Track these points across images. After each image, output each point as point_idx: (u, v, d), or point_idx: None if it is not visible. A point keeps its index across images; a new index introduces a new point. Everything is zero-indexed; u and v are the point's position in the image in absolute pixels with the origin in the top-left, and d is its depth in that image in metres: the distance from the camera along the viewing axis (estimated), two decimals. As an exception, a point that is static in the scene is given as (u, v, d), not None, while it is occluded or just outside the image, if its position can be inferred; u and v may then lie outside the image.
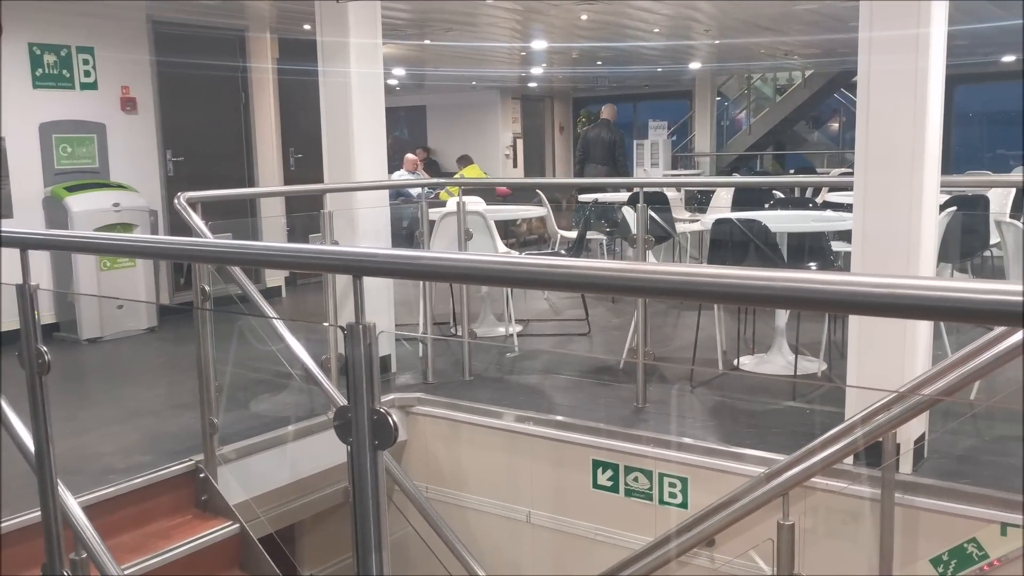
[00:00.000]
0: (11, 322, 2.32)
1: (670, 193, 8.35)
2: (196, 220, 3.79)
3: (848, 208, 4.70)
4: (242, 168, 8.16)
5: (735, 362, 5.28)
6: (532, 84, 16.61)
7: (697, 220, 7.95)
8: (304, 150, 8.57)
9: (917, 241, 3.37)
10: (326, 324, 5.27)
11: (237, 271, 3.82)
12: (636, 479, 4.05)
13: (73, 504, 2.60)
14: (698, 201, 9.61)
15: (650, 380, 4.83)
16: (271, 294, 7.87)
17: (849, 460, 3.30)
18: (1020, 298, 0.94)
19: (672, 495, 3.95)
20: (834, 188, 7.55)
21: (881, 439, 3.17)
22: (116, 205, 6.57)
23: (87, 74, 6.88)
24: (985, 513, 3.22)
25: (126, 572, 3.13)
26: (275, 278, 8.05)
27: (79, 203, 6.41)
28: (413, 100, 16.84)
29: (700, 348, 5.25)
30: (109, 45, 7.00)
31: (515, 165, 16.51)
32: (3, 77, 6.30)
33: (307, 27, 7.68)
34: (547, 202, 8.58)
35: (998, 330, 2.53)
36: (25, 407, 2.32)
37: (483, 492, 4.60)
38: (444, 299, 6.27)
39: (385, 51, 8.76)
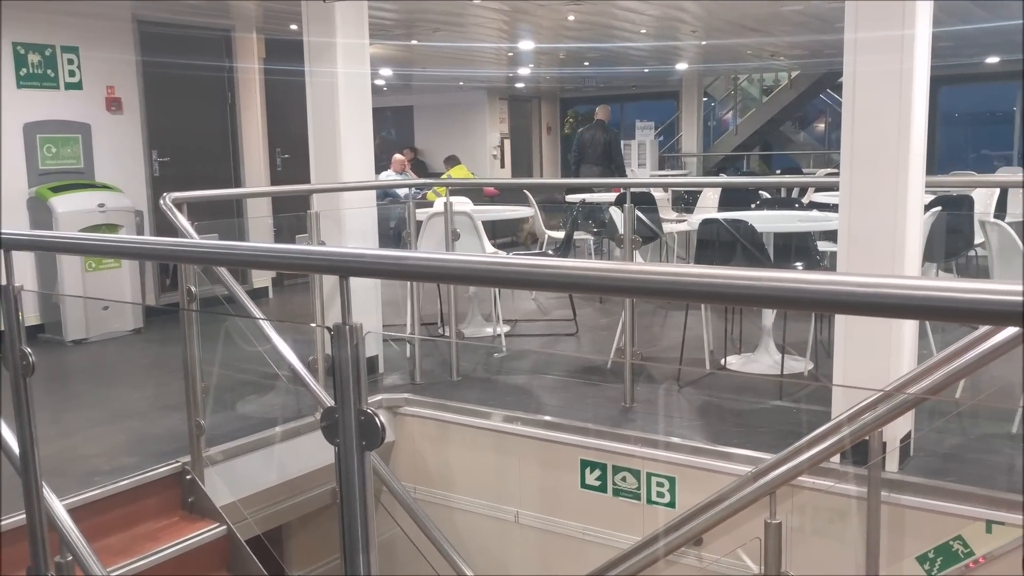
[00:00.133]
0: (-5, 323, 2.31)
1: (657, 193, 8.36)
2: (182, 221, 3.78)
3: (834, 208, 4.72)
4: (228, 168, 8.13)
5: (722, 361, 5.29)
6: (519, 85, 16.62)
7: (684, 220, 7.97)
8: (291, 150, 8.55)
9: (902, 241, 3.39)
10: (313, 325, 5.26)
11: (223, 272, 3.81)
12: (624, 479, 4.06)
13: (58, 506, 2.59)
14: (685, 201, 9.63)
15: (638, 380, 4.84)
16: (258, 295, 7.84)
17: (836, 459, 3.31)
18: (1020, 298, 0.95)
19: (660, 494, 3.96)
20: (820, 188, 7.58)
21: (867, 438, 3.18)
22: (101, 206, 6.53)
23: (72, 74, 6.84)
24: (971, 511, 3.24)
25: (112, 575, 3.11)
26: (262, 279, 8.02)
27: (64, 204, 6.37)
28: (400, 100, 16.82)
29: (687, 348, 5.26)
30: (94, 45, 6.96)
31: (502, 166, 16.51)
32: (-13, 77, 6.26)
33: (294, 27, 7.66)
34: (535, 203, 8.58)
35: (982, 329, 2.55)
36: (9, 409, 2.30)
37: (471, 492, 4.60)
38: (432, 299, 6.26)
39: (372, 51, 8.75)
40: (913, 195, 3.41)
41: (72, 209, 6.36)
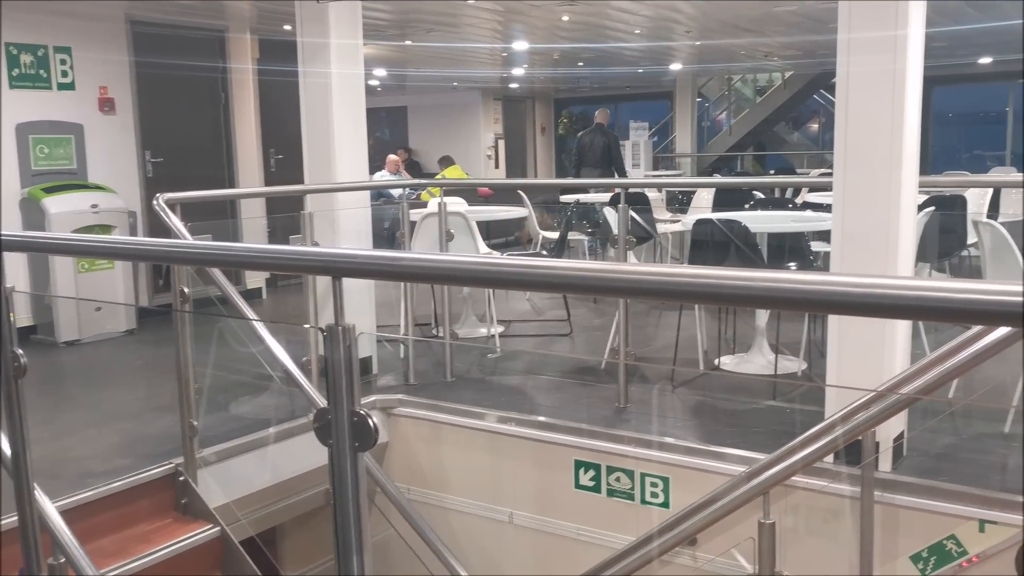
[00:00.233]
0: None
1: (651, 194, 8.37)
2: (175, 221, 3.77)
3: (828, 208, 4.73)
4: (222, 169, 8.12)
5: (716, 362, 5.30)
6: (514, 85, 16.61)
7: (678, 221, 7.98)
8: (284, 151, 8.54)
9: (895, 241, 3.39)
10: (307, 326, 5.25)
11: (217, 273, 3.80)
12: (618, 479, 4.06)
13: (51, 508, 2.58)
14: (679, 202, 9.64)
15: (632, 380, 4.84)
16: (252, 295, 7.83)
17: (829, 459, 3.32)
18: (1019, 298, 0.95)
19: (654, 495, 3.96)
20: (814, 188, 7.60)
21: (860, 437, 3.18)
22: (94, 206, 6.52)
23: (64, 74, 6.82)
24: (964, 510, 3.25)
25: (105, 576, 3.10)
26: (255, 279, 8.01)
27: (57, 204, 6.35)
28: (394, 101, 16.80)
29: (681, 348, 5.26)
30: (87, 45, 6.94)
31: (497, 166, 16.51)
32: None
33: (287, 27, 7.64)
34: (529, 203, 8.58)
35: (975, 329, 2.55)
36: (1, 411, 2.29)
37: (465, 493, 4.59)
38: (426, 300, 6.26)
39: (366, 52, 8.73)
40: (906, 195, 3.42)
41: (65, 210, 6.34)
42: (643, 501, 3.98)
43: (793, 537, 3.51)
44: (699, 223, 5.16)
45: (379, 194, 10.07)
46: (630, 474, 4.02)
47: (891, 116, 3.35)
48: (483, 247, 6.36)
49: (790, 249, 5.26)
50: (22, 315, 6.38)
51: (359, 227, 5.30)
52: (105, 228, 6.54)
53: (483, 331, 6.32)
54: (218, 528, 3.65)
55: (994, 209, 7.22)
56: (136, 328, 6.80)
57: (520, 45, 10.94)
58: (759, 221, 5.44)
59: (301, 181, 5.34)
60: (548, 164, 18.46)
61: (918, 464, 3.57)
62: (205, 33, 7.94)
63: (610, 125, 11.44)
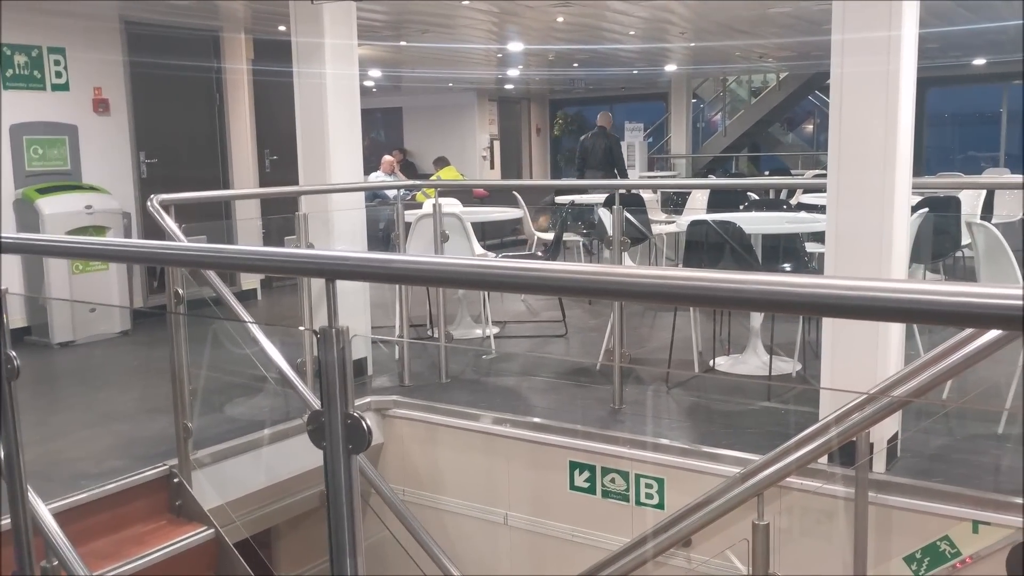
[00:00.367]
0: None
1: (646, 195, 8.38)
2: (169, 223, 3.76)
3: (822, 209, 4.74)
4: (217, 170, 8.11)
5: (711, 363, 5.30)
6: (509, 86, 16.61)
7: (673, 222, 7.99)
8: (279, 152, 8.52)
9: (889, 242, 3.40)
10: (301, 328, 5.24)
11: (211, 274, 3.79)
12: (613, 480, 4.06)
13: (44, 511, 2.57)
14: (674, 203, 9.66)
15: (626, 381, 4.84)
16: (246, 296, 7.82)
17: (823, 460, 3.32)
18: (1020, 302, 0.95)
19: (649, 496, 3.96)
20: (808, 190, 7.61)
21: (855, 439, 3.19)
22: (88, 207, 6.50)
23: (58, 75, 6.80)
24: (957, 511, 3.26)
25: (98, 579, 3.10)
26: (250, 281, 8.00)
27: (51, 205, 6.33)
28: (390, 102, 16.79)
29: (676, 349, 5.27)
30: (81, 45, 6.93)
31: (492, 167, 16.51)
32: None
33: (282, 28, 7.64)
34: (524, 204, 8.58)
35: (968, 330, 2.55)
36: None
37: (460, 495, 4.59)
38: (421, 301, 6.25)
39: (361, 52, 8.72)
40: (900, 196, 3.43)
41: (59, 211, 6.33)
42: (638, 502, 3.98)
43: (787, 538, 3.51)
44: (694, 224, 5.16)
45: (374, 195, 10.08)
46: (625, 475, 4.02)
47: (885, 117, 3.36)
48: (478, 248, 6.36)
49: (785, 250, 5.27)
50: (16, 316, 6.37)
51: (354, 228, 5.30)
52: (99, 229, 6.53)
53: (478, 332, 6.32)
54: (212, 530, 3.65)
55: (988, 210, 7.24)
56: (130, 329, 6.78)
57: (515, 46, 10.95)
58: (754, 222, 5.45)
59: (296, 182, 5.34)
60: (543, 165, 18.47)
61: (912, 465, 3.57)
62: (200, 33, 7.93)
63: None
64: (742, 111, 17.67)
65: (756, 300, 1.19)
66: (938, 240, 5.61)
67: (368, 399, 4.81)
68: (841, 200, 3.51)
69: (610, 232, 4.79)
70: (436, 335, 5.60)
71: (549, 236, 8.10)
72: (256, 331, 3.78)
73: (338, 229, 5.15)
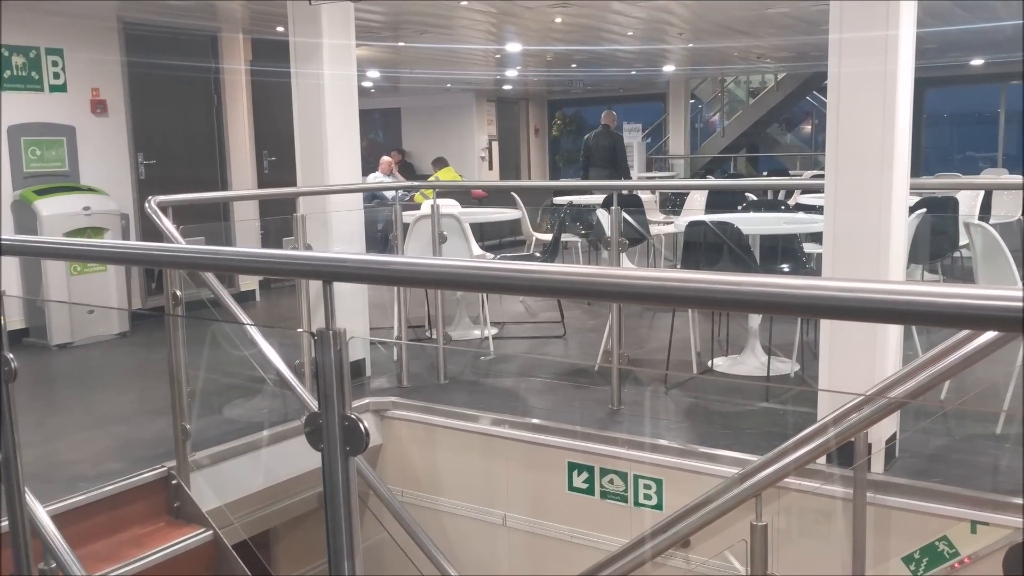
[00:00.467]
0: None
1: (644, 195, 8.39)
2: (167, 224, 3.76)
3: (820, 210, 4.74)
4: (215, 171, 8.10)
5: (709, 363, 5.30)
6: (507, 87, 16.62)
7: (671, 222, 7.99)
8: (278, 153, 8.52)
9: (887, 243, 3.40)
10: (300, 330, 5.24)
11: (209, 275, 3.79)
12: (611, 481, 4.06)
13: (42, 513, 2.57)
14: (672, 203, 9.67)
15: (625, 382, 4.84)
16: (245, 298, 7.81)
17: (822, 460, 3.33)
18: (1019, 303, 0.95)
19: (647, 497, 3.96)
20: (806, 190, 7.61)
21: (853, 439, 3.19)
22: (86, 209, 6.50)
23: (56, 76, 6.80)
24: (956, 511, 3.26)
25: (96, 581, 3.09)
26: (249, 282, 8.00)
27: (48, 207, 6.33)
28: (388, 102, 16.79)
29: (675, 350, 5.27)
30: (79, 46, 6.93)
31: (490, 167, 16.51)
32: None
33: (280, 29, 7.64)
34: (522, 205, 8.58)
35: (966, 331, 2.55)
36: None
37: (459, 496, 4.59)
38: (419, 302, 6.25)
39: (359, 53, 8.72)
40: (898, 197, 3.43)
41: (57, 212, 6.32)
42: (636, 503, 3.98)
43: (786, 538, 3.52)
44: (692, 225, 5.16)
45: (373, 196, 10.08)
46: (623, 476, 4.02)
47: (882, 117, 3.36)
48: (476, 249, 6.35)
49: (783, 251, 5.27)
50: (14, 318, 6.37)
51: (352, 229, 5.30)
52: (97, 231, 6.52)
53: (476, 333, 6.31)
54: (211, 532, 3.64)
55: (985, 211, 7.24)
56: (129, 331, 6.78)
57: (513, 47, 10.96)
58: (752, 223, 5.45)
59: (294, 183, 5.33)
60: (542, 166, 18.47)
61: (910, 465, 3.58)
62: (198, 34, 7.92)
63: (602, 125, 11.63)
64: (740, 112, 17.67)
65: (752, 302, 1.19)
66: (936, 240, 5.62)
67: (366, 400, 4.81)
68: (839, 201, 3.51)
69: (608, 233, 4.79)
70: (434, 336, 5.60)
71: (547, 237, 8.10)
72: (254, 333, 3.78)
73: (336, 230, 5.14)
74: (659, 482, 3.93)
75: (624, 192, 7.64)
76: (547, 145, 18.68)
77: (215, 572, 3.66)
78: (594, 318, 6.73)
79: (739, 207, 6.94)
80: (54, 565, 2.52)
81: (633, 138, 15.47)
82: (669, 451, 3.94)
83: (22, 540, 2.32)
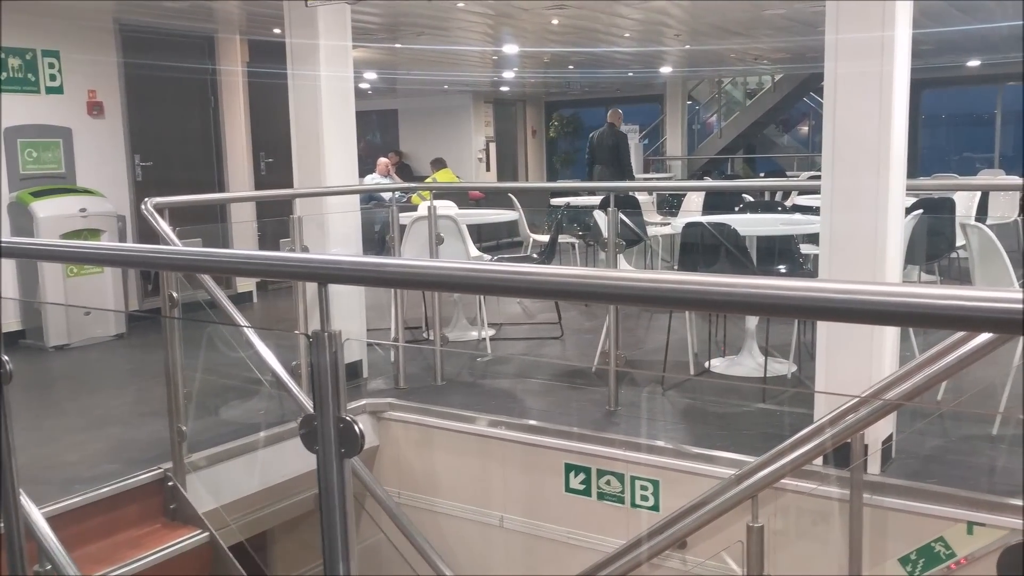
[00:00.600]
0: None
1: (642, 197, 8.39)
2: (163, 226, 3.75)
3: (817, 211, 4.74)
4: (212, 173, 8.10)
5: (706, 364, 5.30)
6: (504, 88, 16.62)
7: (668, 224, 7.99)
8: (275, 154, 8.52)
9: (883, 243, 3.40)
10: (296, 332, 5.23)
11: (205, 277, 3.79)
12: (608, 482, 4.06)
13: (37, 515, 2.57)
14: (669, 205, 9.68)
15: (622, 383, 4.84)
16: (242, 299, 7.80)
17: (818, 461, 3.33)
18: (1020, 305, 0.95)
19: (644, 498, 3.96)
20: (803, 191, 7.62)
21: (849, 440, 3.19)
22: (83, 210, 6.49)
23: (53, 78, 6.79)
24: (952, 512, 3.26)
25: (92, 583, 3.09)
26: (246, 283, 7.99)
27: (45, 209, 6.32)
28: (385, 104, 16.79)
29: (672, 351, 5.27)
30: (75, 48, 6.92)
31: (488, 169, 16.51)
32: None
33: (277, 30, 7.63)
34: (519, 206, 8.59)
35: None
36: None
37: (456, 497, 4.59)
38: (416, 303, 6.25)
39: (356, 55, 8.71)
40: (894, 198, 3.43)
41: (53, 214, 6.32)
42: (633, 504, 3.98)
43: (783, 540, 3.52)
44: (689, 226, 5.16)
45: (370, 197, 10.08)
46: (620, 477, 4.02)
47: (879, 118, 3.36)
48: (473, 251, 6.35)
49: (779, 252, 5.28)
50: (11, 319, 6.35)
51: (349, 231, 5.30)
52: (94, 233, 6.51)
53: (474, 334, 6.31)
54: (207, 533, 3.64)
55: (982, 212, 7.26)
56: (126, 332, 6.77)
57: (510, 48, 10.96)
58: (749, 224, 5.45)
59: (291, 185, 5.33)
60: (539, 167, 18.47)
61: (907, 467, 3.58)
62: (194, 36, 7.92)
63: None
64: (737, 113, 17.69)
65: (746, 303, 1.19)
66: (932, 241, 5.63)
67: (363, 402, 4.81)
68: (835, 202, 3.51)
69: (605, 234, 4.79)
70: (431, 337, 5.59)
71: (545, 238, 8.10)
72: (251, 334, 3.77)
73: (333, 232, 5.14)
74: (656, 483, 3.93)
75: (621, 194, 7.64)
76: (544, 146, 18.69)
77: (211, 574, 3.65)
78: (591, 319, 6.73)
79: (736, 208, 6.94)
80: (49, 567, 2.52)
81: (630, 139, 15.48)
82: (666, 452, 3.94)
83: (17, 542, 2.31)
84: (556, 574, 4.11)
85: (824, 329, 3.62)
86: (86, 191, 6.74)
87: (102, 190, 6.86)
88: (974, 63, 14.23)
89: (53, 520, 2.73)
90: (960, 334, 2.60)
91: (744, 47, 11.63)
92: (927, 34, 9.66)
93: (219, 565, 3.63)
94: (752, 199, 7.29)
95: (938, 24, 9.20)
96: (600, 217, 5.89)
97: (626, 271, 1.24)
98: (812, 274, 4.95)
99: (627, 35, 10.03)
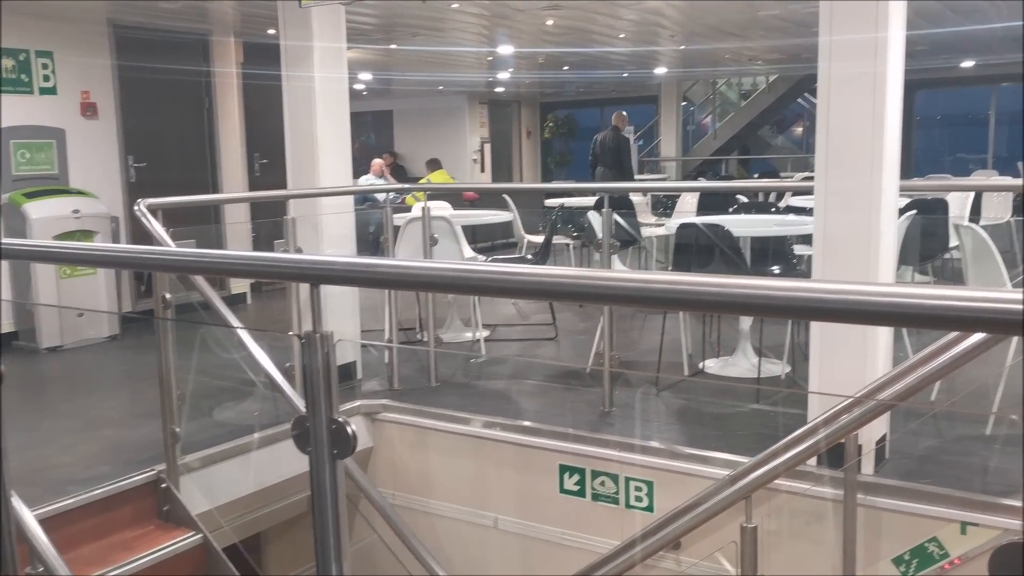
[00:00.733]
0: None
1: (636, 198, 8.40)
2: (156, 227, 3.74)
3: (810, 212, 4.75)
4: (206, 174, 8.08)
5: (700, 365, 5.31)
6: (499, 89, 16.62)
7: (663, 224, 7.99)
8: (269, 155, 8.50)
9: (877, 244, 3.41)
10: (291, 333, 5.23)
11: (199, 278, 3.77)
12: (603, 483, 4.06)
13: (28, 516, 2.56)
14: (664, 205, 9.68)
15: (616, 384, 4.84)
16: (236, 300, 7.79)
17: (812, 462, 3.33)
18: (1020, 307, 0.95)
19: (638, 499, 3.96)
20: (797, 192, 7.62)
21: (843, 441, 3.20)
22: (76, 212, 6.47)
23: (46, 79, 6.78)
24: (945, 512, 3.26)
25: (85, 585, 3.08)
26: (240, 285, 7.97)
27: (38, 210, 6.31)
28: (380, 105, 16.78)
29: (666, 351, 5.27)
30: (69, 49, 6.90)
31: (483, 170, 16.51)
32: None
33: (271, 31, 7.62)
34: (514, 207, 8.59)
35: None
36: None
37: (450, 498, 4.58)
38: (410, 304, 6.24)
39: (352, 56, 8.72)
40: (887, 198, 3.44)
41: (46, 215, 6.30)
42: (627, 505, 3.98)
43: (777, 540, 3.52)
44: (683, 227, 5.17)
45: (364, 198, 10.06)
46: (614, 478, 4.02)
47: (872, 119, 3.37)
48: (468, 251, 6.35)
49: (773, 253, 5.28)
50: (4, 321, 6.34)
51: (343, 232, 5.29)
52: (87, 234, 6.50)
53: (468, 335, 6.31)
54: (200, 535, 3.63)
55: (975, 212, 7.27)
56: (119, 334, 6.75)
57: (505, 49, 10.97)
58: (742, 225, 5.46)
59: (286, 186, 5.32)
60: (534, 168, 18.48)
61: (901, 467, 3.58)
62: (188, 37, 7.91)
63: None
64: (732, 114, 17.72)
65: (738, 304, 1.19)
66: (926, 242, 5.63)
67: (357, 403, 4.80)
68: (828, 202, 3.51)
69: (600, 235, 4.80)
70: (426, 338, 5.59)
71: (539, 239, 8.09)
72: (244, 336, 3.76)
73: (327, 233, 5.14)
74: (650, 484, 3.93)
75: (616, 195, 7.64)
76: (539, 147, 18.70)
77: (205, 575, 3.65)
78: (586, 320, 6.73)
79: (730, 209, 6.95)
80: (41, 569, 2.50)
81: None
82: (660, 453, 3.94)
83: (8, 544, 2.30)
84: (550, 575, 4.11)
85: (818, 329, 3.62)
86: (79, 192, 6.72)
87: (95, 191, 6.84)
88: (968, 64, 14.27)
89: (46, 522, 2.72)
90: (953, 334, 2.60)
91: (739, 48, 11.66)
92: (921, 35, 9.68)
93: (213, 567, 3.62)
94: (746, 200, 7.30)
95: (932, 25, 9.23)
96: (594, 218, 5.89)
97: (618, 271, 1.24)
98: (806, 275, 4.96)
99: (622, 36, 10.04)
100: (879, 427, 3.55)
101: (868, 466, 3.49)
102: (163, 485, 3.74)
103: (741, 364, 5.18)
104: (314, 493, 1.61)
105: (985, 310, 0.99)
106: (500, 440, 4.38)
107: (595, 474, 4.08)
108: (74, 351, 6.38)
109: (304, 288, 4.81)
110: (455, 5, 7.72)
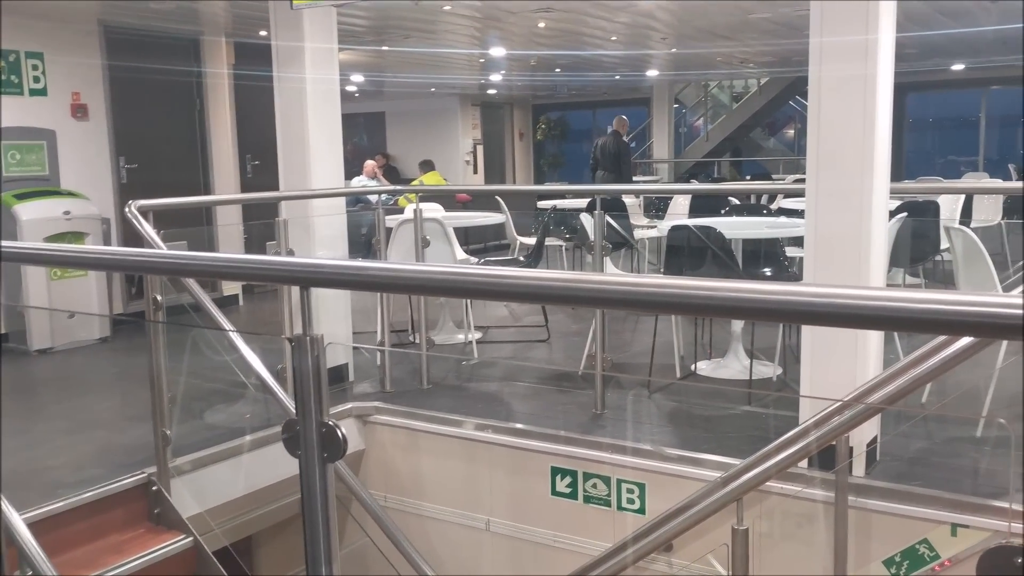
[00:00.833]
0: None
1: (628, 200, 8.40)
2: (147, 229, 3.73)
3: (802, 214, 4.76)
4: (197, 175, 8.06)
5: (692, 367, 5.31)
6: (492, 91, 16.63)
7: (655, 227, 8.01)
8: (261, 157, 8.49)
9: (868, 246, 3.41)
10: (283, 336, 5.21)
11: (190, 280, 3.76)
12: (595, 485, 4.06)
13: (17, 520, 2.54)
14: (656, 208, 9.70)
15: (608, 386, 4.84)
16: (228, 302, 7.77)
17: (803, 464, 3.33)
18: (1020, 311, 0.95)
19: (630, 501, 3.96)
20: (789, 194, 7.65)
21: (834, 443, 3.20)
22: (67, 213, 6.45)
23: (36, 80, 6.75)
24: (936, 514, 3.27)
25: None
26: (232, 287, 7.95)
27: (28, 211, 6.28)
28: (372, 106, 16.77)
29: (658, 353, 5.27)
30: (59, 50, 6.88)
31: (475, 171, 16.51)
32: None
33: (263, 33, 7.61)
34: (507, 209, 8.59)
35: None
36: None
37: (442, 501, 4.58)
38: (402, 306, 6.24)
39: (343, 57, 8.70)
40: (878, 200, 3.45)
41: (37, 217, 6.28)
42: (619, 507, 3.98)
43: (768, 542, 3.52)
44: (675, 229, 5.18)
45: (357, 200, 10.05)
46: (606, 480, 4.02)
47: (863, 121, 3.38)
48: (460, 254, 6.35)
49: (765, 255, 5.29)
50: (-7, 323, 6.31)
51: (335, 234, 5.28)
52: (78, 236, 6.47)
53: (460, 337, 6.31)
54: (191, 538, 3.62)
55: (966, 215, 7.31)
56: (110, 336, 6.73)
57: (497, 51, 10.98)
58: (734, 227, 5.47)
59: (277, 187, 5.31)
60: (526, 169, 18.49)
61: (891, 469, 3.59)
62: (180, 38, 7.89)
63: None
64: (724, 116, 17.76)
65: (728, 308, 1.19)
66: (917, 244, 5.65)
67: (349, 405, 4.79)
68: (820, 205, 3.52)
69: (592, 237, 4.80)
70: (417, 341, 5.58)
71: (532, 241, 8.10)
72: (235, 338, 3.75)
73: (319, 235, 5.13)
74: (642, 486, 3.93)
75: (608, 197, 7.65)
76: (532, 149, 18.71)
77: (195, 579, 3.63)
78: (578, 322, 6.73)
79: (722, 211, 6.96)
80: (30, 572, 2.49)
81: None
82: (652, 455, 3.95)
83: (-3, 548, 2.30)
84: (542, 577, 4.11)
85: (809, 332, 3.63)
86: (70, 193, 6.70)
87: (86, 192, 6.82)
88: (958, 67, 14.33)
89: (36, 525, 2.71)
90: (943, 337, 2.61)
91: (730, 51, 11.69)
92: (911, 37, 9.73)
93: (203, 570, 3.61)
94: (738, 202, 7.32)
95: (922, 28, 9.26)
96: (587, 220, 5.90)
97: (609, 275, 1.23)
98: (797, 277, 4.97)
99: (614, 38, 10.06)
100: (870, 429, 3.56)
101: (859, 468, 3.50)
102: (154, 488, 3.73)
103: (733, 366, 5.19)
104: (304, 496, 1.60)
105: (984, 315, 0.99)
106: (492, 442, 4.38)
107: (587, 476, 4.08)
108: (65, 353, 6.36)
109: (295, 291, 4.81)
110: (447, 7, 7.72)
